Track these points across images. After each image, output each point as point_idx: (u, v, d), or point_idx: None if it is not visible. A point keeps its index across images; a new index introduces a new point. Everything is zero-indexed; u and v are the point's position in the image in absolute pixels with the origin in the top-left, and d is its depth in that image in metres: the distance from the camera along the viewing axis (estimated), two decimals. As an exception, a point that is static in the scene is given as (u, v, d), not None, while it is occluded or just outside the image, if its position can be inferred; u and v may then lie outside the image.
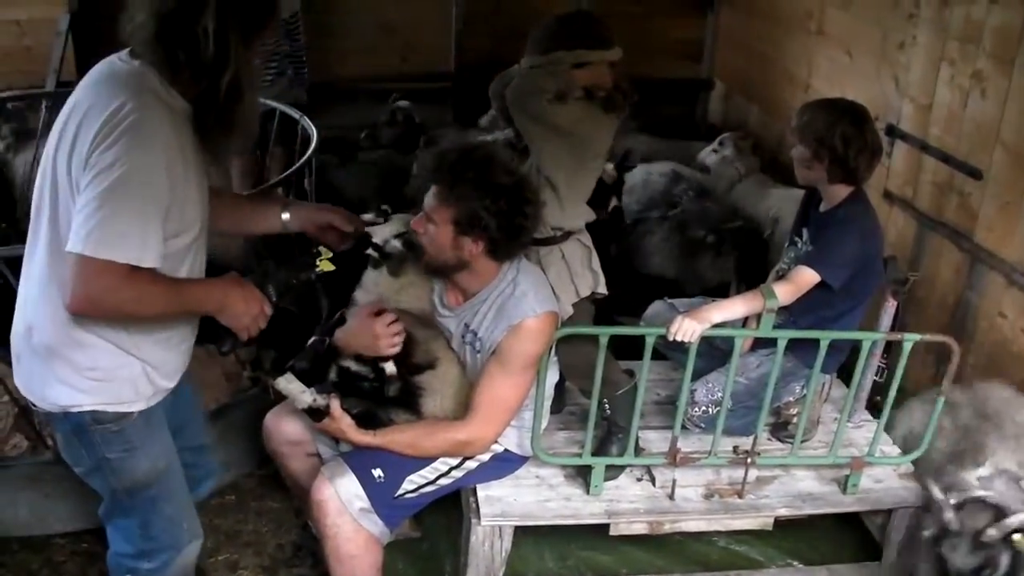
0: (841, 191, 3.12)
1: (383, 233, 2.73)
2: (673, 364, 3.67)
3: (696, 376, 3.04)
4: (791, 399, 3.31)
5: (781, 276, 3.15)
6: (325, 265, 2.58)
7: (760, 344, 3.23)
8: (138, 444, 2.36)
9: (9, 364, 3.53)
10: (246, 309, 2.26)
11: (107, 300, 2.03)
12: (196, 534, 2.64)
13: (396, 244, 2.71)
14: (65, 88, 5.47)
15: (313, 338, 2.80)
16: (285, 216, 2.69)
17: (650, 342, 2.83)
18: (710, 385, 3.18)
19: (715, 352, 3.30)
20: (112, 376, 2.26)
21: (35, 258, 2.21)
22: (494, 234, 2.60)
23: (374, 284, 2.86)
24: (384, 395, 2.79)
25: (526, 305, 2.67)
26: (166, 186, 2.05)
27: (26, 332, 2.25)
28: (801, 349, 3.08)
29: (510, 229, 2.62)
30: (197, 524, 2.65)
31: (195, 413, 2.75)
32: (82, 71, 2.19)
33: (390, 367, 2.77)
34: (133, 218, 1.99)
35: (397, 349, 2.73)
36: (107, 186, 1.96)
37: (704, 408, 3.17)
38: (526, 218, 2.64)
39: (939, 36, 3.89)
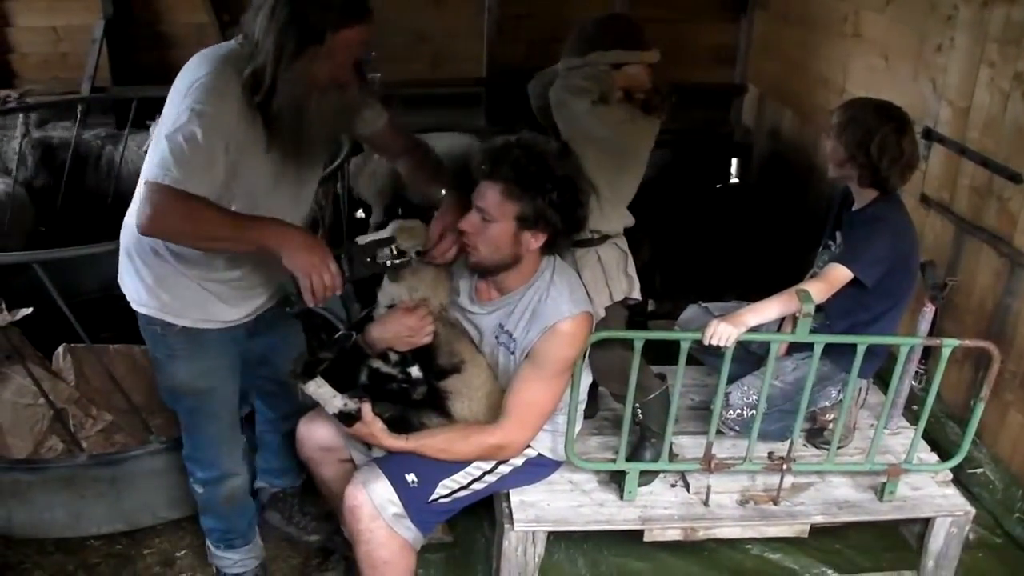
0: (872, 192, 3.08)
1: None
2: (707, 369, 3.64)
3: (731, 380, 3.00)
4: (827, 404, 3.28)
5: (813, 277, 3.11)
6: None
7: (796, 348, 3.19)
8: (180, 355, 2.69)
9: (47, 368, 3.59)
10: (308, 258, 2.30)
11: (162, 219, 2.23)
12: (235, 469, 2.96)
13: (386, 253, 2.62)
14: (100, 93, 5.60)
15: (340, 332, 2.80)
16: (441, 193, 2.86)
17: (685, 347, 2.81)
18: (745, 388, 3.16)
19: (750, 356, 3.27)
20: (162, 288, 2.58)
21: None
22: (558, 227, 2.61)
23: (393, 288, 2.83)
24: (411, 398, 2.78)
25: (562, 306, 2.66)
26: (218, 139, 2.28)
27: (121, 233, 2.65)
28: (837, 353, 3.04)
29: (572, 221, 2.64)
30: (237, 461, 2.98)
31: (279, 351, 3.01)
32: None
33: (416, 371, 2.77)
34: (187, 151, 2.21)
35: (430, 338, 2.73)
36: (170, 128, 2.24)
37: (739, 411, 3.14)
38: (585, 209, 2.66)
39: (978, 38, 3.83)
